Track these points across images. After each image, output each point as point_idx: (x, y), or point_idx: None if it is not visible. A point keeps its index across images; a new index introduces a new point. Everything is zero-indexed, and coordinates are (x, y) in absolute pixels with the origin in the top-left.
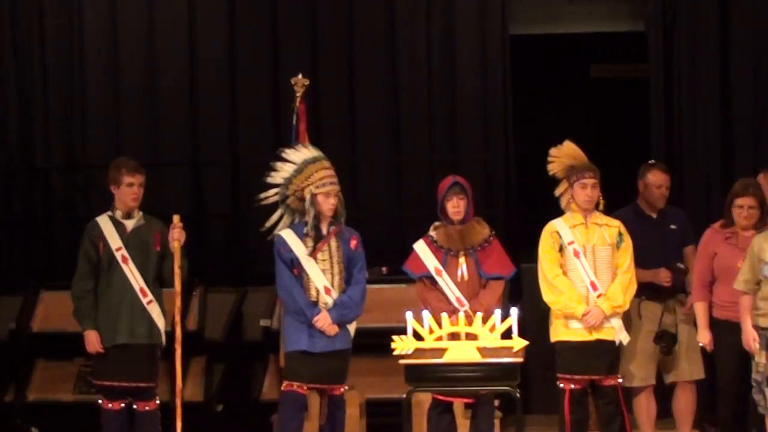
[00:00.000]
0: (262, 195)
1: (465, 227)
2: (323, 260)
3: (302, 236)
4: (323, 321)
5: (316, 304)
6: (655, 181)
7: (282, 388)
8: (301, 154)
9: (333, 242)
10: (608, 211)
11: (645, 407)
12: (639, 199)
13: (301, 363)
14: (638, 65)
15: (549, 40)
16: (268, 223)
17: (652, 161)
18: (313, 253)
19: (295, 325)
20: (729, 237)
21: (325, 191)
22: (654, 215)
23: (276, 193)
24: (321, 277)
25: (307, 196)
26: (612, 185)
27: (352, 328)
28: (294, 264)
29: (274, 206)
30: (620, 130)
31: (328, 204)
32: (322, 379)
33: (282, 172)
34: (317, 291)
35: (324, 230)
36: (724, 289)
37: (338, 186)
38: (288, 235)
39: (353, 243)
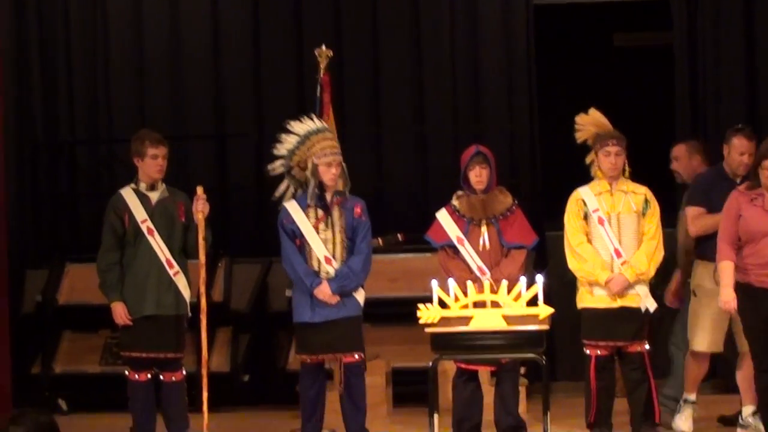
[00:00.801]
0: (269, 166)
1: (487, 196)
2: (325, 230)
3: (305, 207)
4: (323, 292)
5: (317, 274)
6: (739, 146)
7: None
8: (305, 125)
9: (336, 212)
10: (634, 179)
11: (695, 371)
12: (724, 162)
13: (307, 334)
14: (662, 33)
15: (572, 9)
16: (276, 194)
17: (740, 126)
18: (315, 224)
19: (300, 297)
20: (755, 198)
21: (326, 161)
22: (737, 180)
23: (281, 165)
24: (322, 247)
25: (309, 166)
26: (637, 153)
27: (360, 295)
28: (296, 235)
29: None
30: (644, 99)
31: (330, 174)
32: (330, 348)
33: (286, 144)
34: (318, 261)
35: (328, 200)
36: (751, 252)
37: (340, 157)
38: (291, 207)
39: (357, 211)
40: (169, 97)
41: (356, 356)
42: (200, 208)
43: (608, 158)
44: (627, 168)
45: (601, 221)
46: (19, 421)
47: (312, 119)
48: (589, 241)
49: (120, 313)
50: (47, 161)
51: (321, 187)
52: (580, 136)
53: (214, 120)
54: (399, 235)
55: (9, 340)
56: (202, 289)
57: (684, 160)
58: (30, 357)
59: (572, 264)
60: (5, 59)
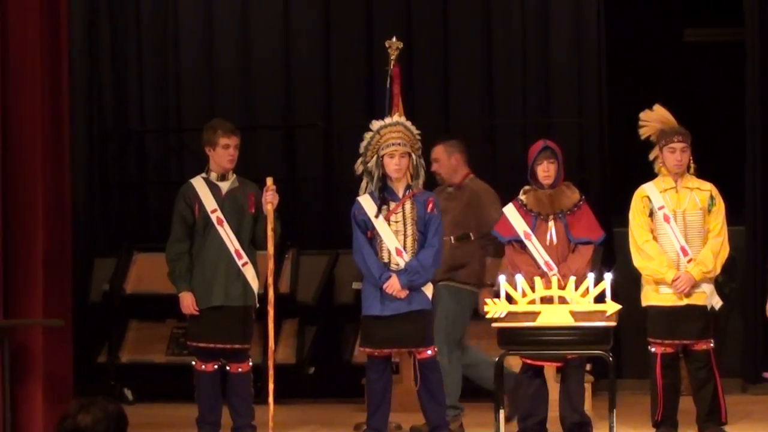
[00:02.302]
0: (356, 166)
1: (555, 191)
2: (396, 222)
3: (377, 199)
4: (392, 286)
5: (388, 266)
6: None
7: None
8: (381, 122)
9: (408, 204)
10: (701, 175)
11: None
12: None
13: (373, 328)
14: (733, 29)
15: (643, 3)
16: (360, 192)
17: None
18: (386, 216)
19: (369, 290)
20: None
21: (389, 152)
22: None
23: (360, 163)
24: (393, 238)
25: (374, 158)
26: (704, 150)
27: (429, 290)
28: (368, 227)
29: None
30: (715, 96)
31: (393, 165)
32: (397, 343)
33: (364, 141)
34: (389, 253)
35: (399, 193)
36: None
37: (408, 148)
38: (364, 200)
39: (429, 205)
40: (239, 88)
41: (429, 351)
42: (269, 199)
43: (673, 155)
44: (692, 165)
45: (666, 218)
46: (88, 409)
47: (393, 116)
48: (655, 238)
49: (187, 303)
50: (117, 150)
51: (384, 179)
52: (644, 132)
53: (283, 111)
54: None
55: (72, 329)
56: (270, 281)
57: (444, 161)
58: (97, 346)
59: (638, 262)
60: (76, 48)
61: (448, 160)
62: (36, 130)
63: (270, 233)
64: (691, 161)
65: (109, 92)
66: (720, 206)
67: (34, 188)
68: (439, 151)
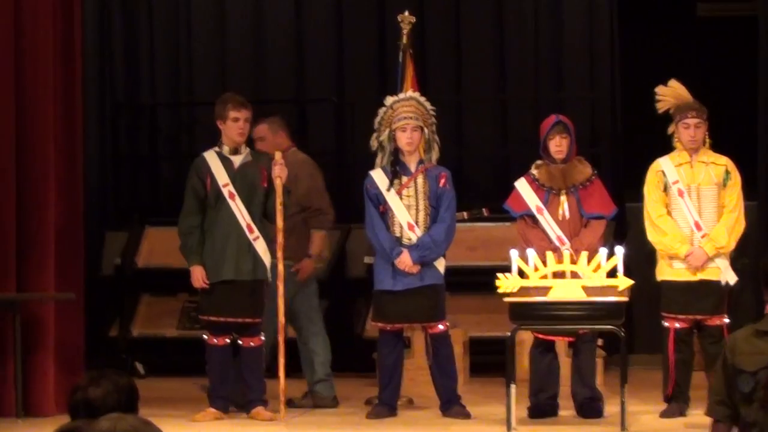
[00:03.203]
0: (371, 142)
1: (567, 166)
2: (408, 196)
3: (389, 173)
4: (404, 262)
5: (400, 240)
6: None
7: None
8: (395, 97)
9: (420, 179)
10: (715, 150)
11: None
12: None
13: (385, 302)
14: (746, 3)
15: None
16: (375, 167)
17: None
18: (398, 190)
19: (381, 265)
20: None
21: (401, 125)
22: None
23: (375, 138)
24: (405, 212)
25: (386, 132)
26: (717, 124)
27: (441, 265)
28: (380, 201)
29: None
30: (727, 70)
31: (405, 138)
32: (409, 317)
33: (378, 116)
34: (401, 227)
35: (412, 167)
36: None
37: (420, 122)
38: (376, 174)
39: (442, 180)
40: (251, 62)
41: (441, 326)
42: (278, 173)
43: (688, 130)
44: (707, 139)
45: (680, 193)
46: (99, 382)
47: (407, 92)
48: (669, 213)
49: (198, 276)
50: (128, 123)
51: (397, 153)
52: (660, 107)
53: (295, 85)
54: (484, 210)
55: (84, 303)
56: (279, 254)
57: (270, 139)
58: (108, 320)
59: (652, 237)
60: (88, 21)
61: (274, 138)
62: (48, 103)
63: (279, 207)
64: (707, 136)
65: (121, 66)
66: (736, 180)
67: (47, 162)
68: (263, 130)
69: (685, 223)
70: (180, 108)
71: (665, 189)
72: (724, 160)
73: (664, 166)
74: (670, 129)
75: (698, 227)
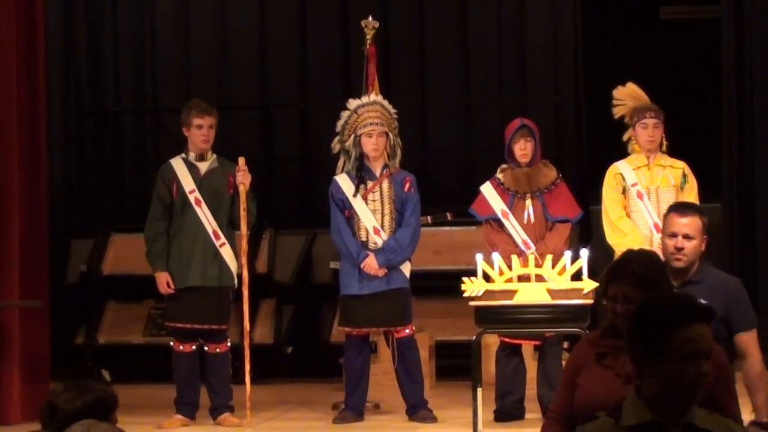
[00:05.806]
0: (332, 145)
1: (532, 170)
2: (374, 201)
3: (354, 179)
4: (370, 265)
5: (366, 245)
6: None
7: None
8: (358, 101)
9: (385, 183)
10: (676, 154)
11: None
12: None
13: (352, 307)
14: (709, 6)
15: None
16: (338, 171)
17: None
18: (364, 195)
19: (347, 269)
20: None
21: (367, 131)
22: None
23: (338, 141)
24: (370, 217)
25: (351, 138)
26: (681, 127)
27: (406, 268)
28: (346, 206)
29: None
30: (691, 73)
31: (371, 144)
32: (377, 321)
33: (341, 120)
34: (367, 232)
35: (377, 172)
36: None
37: (385, 127)
38: (341, 179)
39: (407, 185)
40: (215, 68)
41: (407, 330)
42: (241, 179)
43: (646, 130)
44: (665, 142)
45: (640, 195)
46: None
47: (370, 95)
48: (628, 215)
49: (163, 282)
50: (93, 130)
51: (362, 158)
52: (617, 112)
53: (259, 91)
54: (448, 214)
55: (49, 311)
56: (244, 261)
57: None
58: (74, 327)
59: (611, 238)
60: (52, 29)
61: None
62: (12, 111)
63: (243, 213)
64: (664, 138)
65: (85, 73)
66: (693, 184)
67: (10, 170)
68: None
69: (644, 225)
70: (145, 115)
71: (624, 192)
72: (681, 164)
73: (622, 168)
74: (626, 135)
75: (657, 228)
